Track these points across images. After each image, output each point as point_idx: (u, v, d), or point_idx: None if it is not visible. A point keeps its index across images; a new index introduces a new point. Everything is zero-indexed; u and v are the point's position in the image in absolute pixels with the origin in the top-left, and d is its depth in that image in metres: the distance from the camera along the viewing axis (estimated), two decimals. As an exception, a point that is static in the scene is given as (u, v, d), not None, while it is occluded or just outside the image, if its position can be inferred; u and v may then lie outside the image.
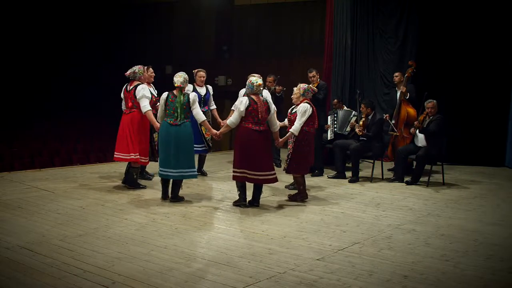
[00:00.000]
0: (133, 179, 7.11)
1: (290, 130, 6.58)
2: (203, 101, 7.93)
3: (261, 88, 6.28)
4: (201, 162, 8.30)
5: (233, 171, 6.28)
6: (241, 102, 6.14)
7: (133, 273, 4.08)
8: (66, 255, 4.42)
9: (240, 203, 6.33)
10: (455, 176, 8.77)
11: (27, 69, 15.02)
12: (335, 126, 8.96)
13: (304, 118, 6.50)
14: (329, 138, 8.92)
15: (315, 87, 8.29)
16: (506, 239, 5.26)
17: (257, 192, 6.38)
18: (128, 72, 7.05)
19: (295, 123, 6.55)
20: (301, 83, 6.93)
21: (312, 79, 8.42)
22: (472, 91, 9.79)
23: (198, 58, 13.91)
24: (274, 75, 8.99)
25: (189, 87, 7.96)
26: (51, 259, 4.32)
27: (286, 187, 7.42)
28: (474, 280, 4.14)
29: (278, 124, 6.47)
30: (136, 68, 7.05)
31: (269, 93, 8.08)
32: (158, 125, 6.68)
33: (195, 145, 8.05)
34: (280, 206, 6.45)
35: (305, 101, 6.63)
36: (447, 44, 9.87)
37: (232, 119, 6.27)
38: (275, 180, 6.32)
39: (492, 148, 9.82)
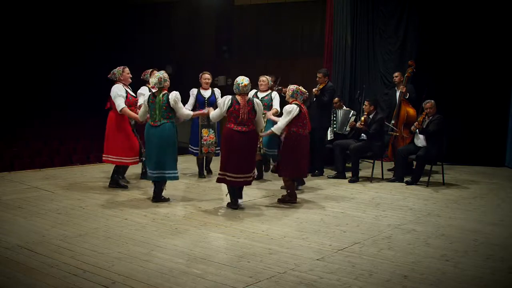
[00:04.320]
0: (113, 177, 7.10)
1: (271, 128, 6.57)
2: (208, 104, 7.83)
3: (248, 89, 6.21)
4: (208, 161, 8.30)
5: (218, 173, 6.29)
6: (224, 102, 6.15)
7: (133, 273, 4.08)
8: (66, 255, 4.42)
9: (231, 206, 6.30)
10: (455, 176, 8.76)
11: (27, 69, 14.99)
12: (334, 126, 8.96)
13: (288, 118, 6.40)
14: (329, 138, 8.93)
15: (321, 89, 8.30)
16: (506, 239, 5.26)
17: (238, 194, 6.35)
18: (109, 75, 7.00)
19: (278, 122, 6.54)
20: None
21: (318, 80, 8.41)
22: (472, 91, 9.80)
23: (198, 58, 13.89)
24: (276, 76, 8.95)
25: (194, 91, 7.98)
26: (51, 259, 4.32)
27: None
28: (474, 280, 4.14)
29: (263, 125, 6.48)
30: (116, 69, 6.99)
31: (277, 95, 7.93)
32: (136, 115, 6.67)
33: (191, 147, 8.07)
34: (280, 206, 6.45)
35: (294, 102, 6.56)
36: (447, 44, 9.88)
37: (213, 113, 6.31)
38: (251, 182, 6.34)
39: (492, 148, 9.82)
